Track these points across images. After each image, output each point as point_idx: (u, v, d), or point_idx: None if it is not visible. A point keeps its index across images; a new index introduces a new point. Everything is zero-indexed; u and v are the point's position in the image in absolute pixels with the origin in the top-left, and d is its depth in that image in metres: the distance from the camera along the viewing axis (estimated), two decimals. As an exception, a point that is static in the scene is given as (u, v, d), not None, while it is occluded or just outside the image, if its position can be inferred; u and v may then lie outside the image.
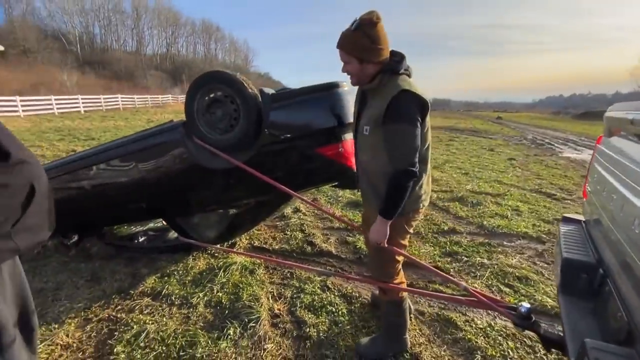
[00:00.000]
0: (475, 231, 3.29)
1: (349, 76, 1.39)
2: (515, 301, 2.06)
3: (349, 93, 1.98)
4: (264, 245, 2.93)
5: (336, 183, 2.38)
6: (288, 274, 2.42)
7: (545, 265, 2.61)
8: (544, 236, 3.14)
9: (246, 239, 3.00)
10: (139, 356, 1.62)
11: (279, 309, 2.02)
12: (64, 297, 2.12)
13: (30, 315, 1.28)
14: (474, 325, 1.91)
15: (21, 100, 15.21)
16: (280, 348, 1.72)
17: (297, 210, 3.77)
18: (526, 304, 1.21)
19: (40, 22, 39.80)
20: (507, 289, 2.27)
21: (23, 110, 15.12)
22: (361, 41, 1.27)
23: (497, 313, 1.98)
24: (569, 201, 4.38)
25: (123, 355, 1.63)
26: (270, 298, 2.13)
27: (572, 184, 5.35)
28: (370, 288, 2.25)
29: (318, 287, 2.24)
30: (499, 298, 1.71)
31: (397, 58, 1.34)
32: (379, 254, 1.53)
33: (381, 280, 1.59)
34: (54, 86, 24.27)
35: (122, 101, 23.38)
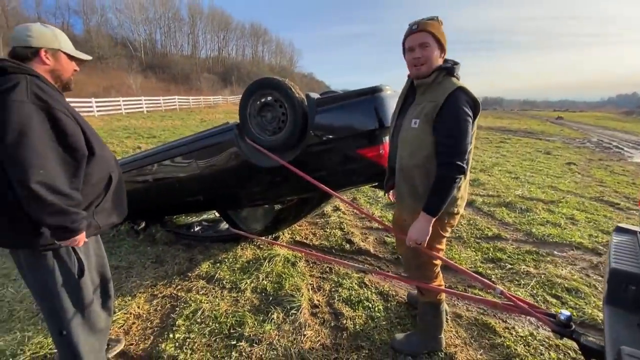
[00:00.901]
0: (522, 238, 3.14)
1: (416, 64, 1.39)
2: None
3: (391, 97, 2.04)
4: (305, 240, 3.09)
5: (376, 184, 2.45)
6: (327, 269, 2.55)
7: (600, 278, 2.44)
8: (601, 248, 2.91)
9: (288, 234, 3.18)
10: (196, 330, 1.86)
11: (318, 300, 2.16)
12: (135, 275, 2.46)
13: (107, 283, 1.56)
14: (514, 333, 1.88)
15: (96, 102, 17.18)
16: (319, 336, 1.85)
17: (336, 209, 3.89)
18: (566, 312, 1.20)
19: (111, 31, 44.45)
20: (553, 300, 2.18)
21: (97, 111, 17.05)
22: (442, 31, 1.39)
23: (540, 323, 1.93)
24: (633, 211, 3.97)
25: (183, 328, 1.87)
26: (310, 289, 2.28)
27: (643, 193, 4.82)
28: (407, 288, 2.29)
29: (355, 283, 2.33)
30: (538, 305, 1.67)
31: (452, 62, 1.42)
32: (415, 256, 1.54)
33: (420, 282, 1.62)
34: (122, 89, 27.03)
35: (179, 102, 25.31)
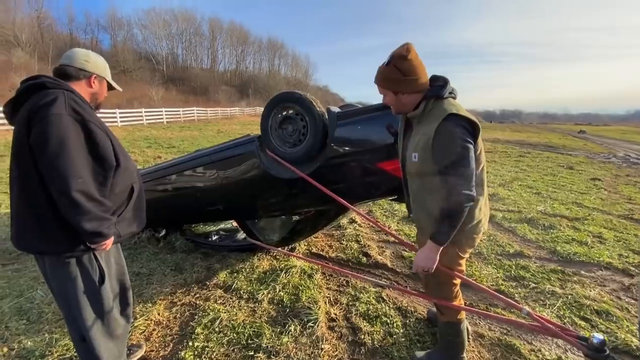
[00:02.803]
0: (546, 256, 3.03)
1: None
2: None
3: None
4: (321, 252, 3.08)
5: (395, 197, 2.44)
6: (344, 282, 2.53)
7: (633, 301, 2.32)
8: (633, 269, 2.77)
9: (304, 245, 3.19)
10: (214, 339, 1.87)
11: (335, 314, 2.14)
12: (155, 282, 2.51)
13: (127, 291, 1.59)
14: (540, 356, 1.80)
15: (120, 112, 17.91)
16: (336, 350, 1.83)
17: (352, 221, 3.87)
18: (599, 335, 1.15)
19: (136, 46, 46.66)
20: (582, 322, 2.08)
21: (120, 121, 17.75)
22: (392, 75, 1.33)
23: (568, 346, 1.85)
24: (668, 231, 3.78)
25: (202, 337, 1.89)
26: (327, 302, 2.26)
27: (676, 212, 4.59)
28: (426, 304, 2.25)
29: (373, 298, 2.30)
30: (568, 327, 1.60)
31: (440, 83, 1.37)
32: (434, 275, 1.46)
33: (439, 301, 1.57)
34: (144, 100, 28.10)
35: (197, 113, 26.07)
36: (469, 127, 1.27)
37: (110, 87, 1.52)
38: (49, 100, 1.16)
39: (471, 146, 1.26)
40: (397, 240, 3.17)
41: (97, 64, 1.41)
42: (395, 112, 1.48)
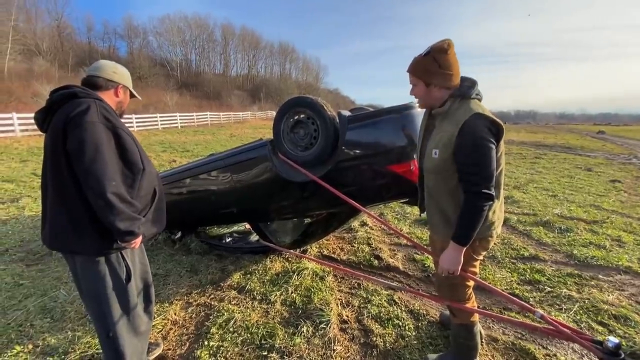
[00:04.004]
0: (562, 260, 2.97)
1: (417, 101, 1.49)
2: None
3: (422, 114, 2.06)
4: (333, 255, 3.10)
5: (406, 200, 2.45)
6: (355, 285, 2.54)
7: (654, 306, 2.25)
8: (654, 273, 2.69)
9: (316, 248, 3.22)
10: (229, 339, 1.91)
11: (347, 316, 2.15)
12: (171, 283, 2.58)
13: (149, 289, 1.66)
14: (555, 361, 1.77)
15: (136, 118, 18.42)
16: (349, 352, 1.84)
17: (364, 224, 3.88)
18: (614, 339, 1.13)
19: (151, 53, 47.94)
20: (599, 327, 2.03)
21: (137, 126, 18.26)
22: (429, 66, 1.35)
23: (585, 351, 1.82)
24: (693, 235, 3.64)
25: (217, 337, 1.93)
26: (339, 305, 2.28)
27: (701, 215, 4.41)
28: (438, 307, 2.24)
29: (385, 300, 2.31)
30: (583, 331, 1.57)
31: (468, 83, 1.39)
32: (448, 277, 1.48)
33: (452, 303, 1.58)
34: (159, 105, 28.75)
35: (210, 118, 26.54)
36: (493, 129, 1.29)
37: (131, 95, 1.61)
38: (83, 109, 1.24)
39: (493, 147, 1.28)
40: (409, 243, 3.17)
41: (123, 75, 1.52)
42: (422, 106, 1.50)
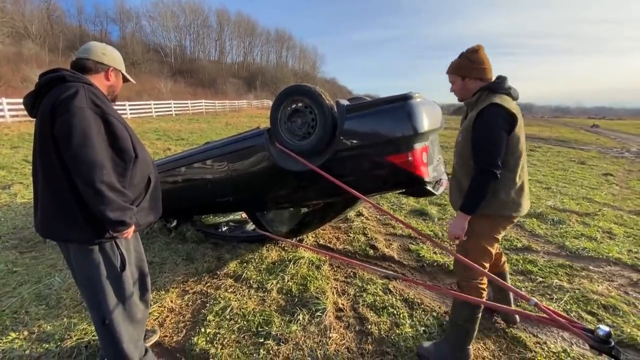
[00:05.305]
0: (554, 251, 3.03)
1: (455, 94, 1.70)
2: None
3: (422, 104, 2.05)
4: (329, 244, 3.12)
5: (403, 190, 2.45)
6: (351, 274, 2.56)
7: (641, 296, 2.31)
8: (643, 265, 2.75)
9: (312, 237, 3.23)
10: (225, 326, 1.93)
11: (342, 304, 2.18)
12: (167, 271, 2.58)
13: (145, 277, 1.65)
14: (546, 348, 1.82)
15: (129, 105, 18.09)
16: (344, 339, 1.87)
17: (359, 214, 3.90)
18: (605, 327, 1.15)
19: (145, 38, 46.74)
20: (588, 317, 2.09)
21: (130, 113, 17.94)
22: (463, 63, 1.61)
23: (574, 339, 1.86)
24: (681, 227, 3.72)
25: (214, 324, 1.95)
26: (334, 293, 2.30)
27: (690, 208, 4.50)
28: (433, 296, 2.27)
29: (380, 289, 2.34)
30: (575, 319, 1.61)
31: (499, 80, 1.58)
32: (464, 250, 1.62)
33: (463, 280, 1.67)
34: (153, 93, 28.23)
35: (205, 106, 26.17)
36: (508, 117, 1.45)
37: (124, 79, 1.55)
38: (71, 94, 1.19)
39: (504, 133, 1.45)
40: (408, 232, 3.20)
41: (113, 57, 1.44)
42: (460, 99, 1.69)
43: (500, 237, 1.64)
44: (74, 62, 1.38)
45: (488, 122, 1.45)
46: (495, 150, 1.43)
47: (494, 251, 1.66)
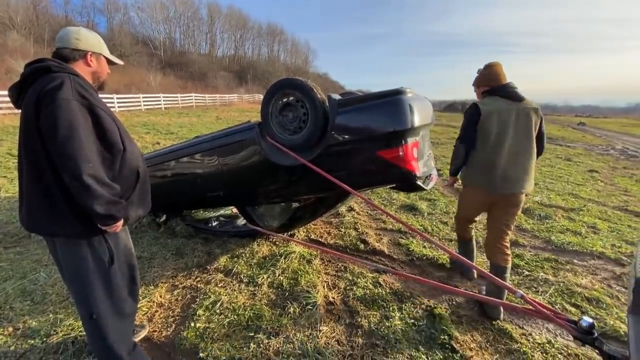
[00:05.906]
0: (540, 246, 3.09)
1: None
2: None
3: (414, 99, 2.05)
4: (320, 239, 3.12)
5: (394, 185, 2.46)
6: (342, 268, 2.58)
7: (623, 289, 2.38)
8: (625, 258, 2.84)
9: (303, 232, 3.23)
10: (216, 320, 1.92)
11: (333, 298, 2.19)
12: (156, 265, 2.55)
13: (134, 272, 1.62)
14: (531, 340, 1.86)
15: (117, 98, 17.69)
16: (334, 332, 1.88)
17: (351, 209, 3.91)
18: (588, 318, 1.19)
19: (133, 30, 45.56)
20: (572, 309, 2.15)
21: (118, 106, 17.55)
22: (477, 75, 2.24)
23: (558, 331, 1.91)
24: (661, 222, 3.84)
25: (203, 318, 1.94)
26: (325, 287, 2.31)
27: (670, 204, 4.64)
28: (422, 289, 2.30)
29: (370, 283, 2.35)
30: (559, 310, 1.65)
31: (499, 87, 2.08)
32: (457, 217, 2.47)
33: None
34: (141, 86, 27.66)
35: (195, 99, 25.78)
36: (475, 113, 2.05)
37: (110, 62, 1.47)
38: (57, 85, 1.15)
39: (473, 120, 2.06)
40: (398, 227, 3.22)
41: (88, 40, 1.36)
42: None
43: (479, 208, 2.24)
44: (54, 54, 1.33)
45: (465, 114, 2.15)
46: (464, 131, 2.12)
47: (473, 221, 2.39)
